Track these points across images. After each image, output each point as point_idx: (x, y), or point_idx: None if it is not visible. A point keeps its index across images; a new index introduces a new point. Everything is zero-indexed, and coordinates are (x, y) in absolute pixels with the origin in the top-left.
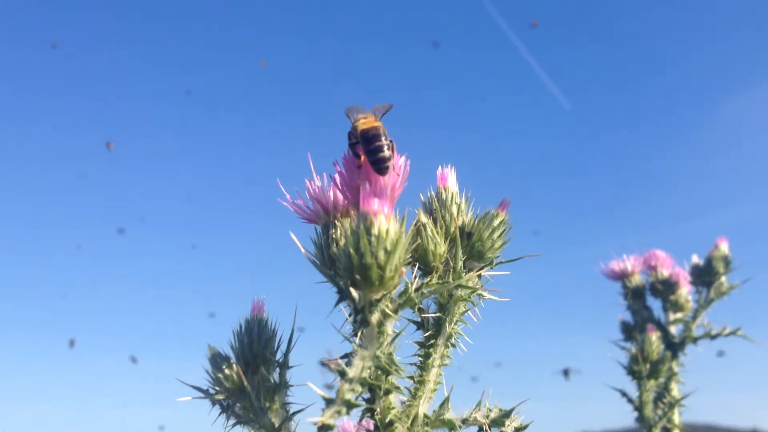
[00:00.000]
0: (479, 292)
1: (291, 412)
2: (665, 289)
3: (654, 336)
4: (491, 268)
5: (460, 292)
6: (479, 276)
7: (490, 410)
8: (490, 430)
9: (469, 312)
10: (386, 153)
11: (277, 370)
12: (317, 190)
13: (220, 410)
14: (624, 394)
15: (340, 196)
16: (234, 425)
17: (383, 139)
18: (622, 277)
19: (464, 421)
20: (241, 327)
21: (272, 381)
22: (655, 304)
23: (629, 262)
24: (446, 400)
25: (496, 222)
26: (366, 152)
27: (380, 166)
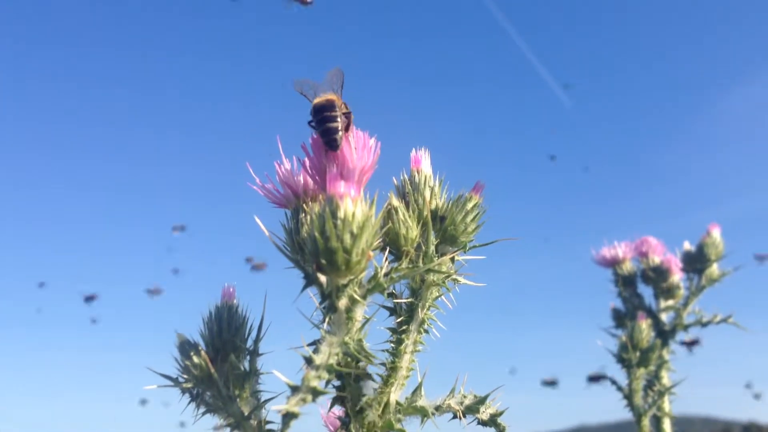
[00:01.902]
0: (453, 276)
1: (262, 400)
2: (656, 276)
3: (644, 323)
4: (464, 252)
5: (432, 277)
6: (453, 261)
7: (465, 397)
8: (464, 416)
9: (443, 297)
10: (335, 124)
11: (248, 357)
12: (286, 174)
13: (189, 399)
14: (613, 381)
15: (309, 179)
16: (204, 414)
17: (335, 110)
18: (613, 264)
19: (437, 408)
20: (210, 314)
21: (242, 369)
22: (646, 291)
23: (620, 249)
24: (419, 387)
25: (469, 205)
26: (316, 124)
27: (328, 137)
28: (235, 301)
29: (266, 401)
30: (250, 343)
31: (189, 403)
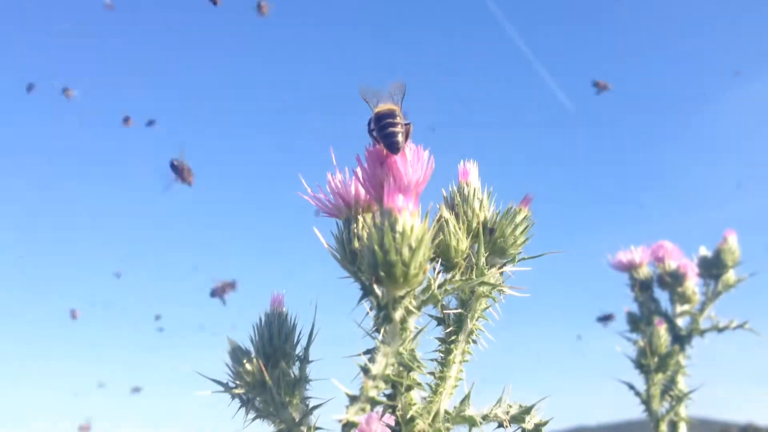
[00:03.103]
0: (500, 288)
1: (310, 406)
2: (673, 280)
3: (662, 329)
4: (513, 264)
5: (481, 288)
6: (501, 272)
7: (510, 406)
8: (510, 425)
9: (490, 308)
10: (397, 128)
11: (297, 364)
12: (339, 184)
13: (239, 404)
14: (631, 387)
15: (361, 190)
16: (254, 419)
17: (397, 118)
18: (629, 268)
19: (485, 418)
20: (260, 320)
21: (292, 375)
22: (662, 296)
23: (637, 254)
24: (467, 397)
25: (518, 218)
26: (377, 130)
27: (390, 140)
28: (284, 309)
29: (314, 407)
30: (299, 349)
31: (239, 408)
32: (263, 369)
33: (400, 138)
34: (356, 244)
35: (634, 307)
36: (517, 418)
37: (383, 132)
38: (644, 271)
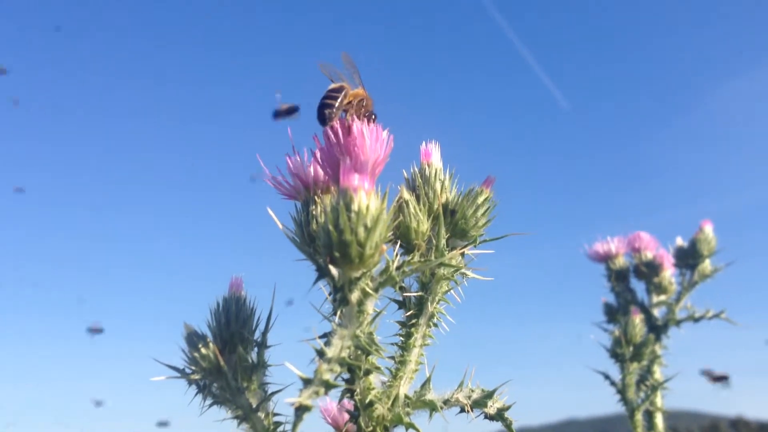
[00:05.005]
0: (462, 270)
1: (269, 392)
2: (649, 271)
3: (638, 319)
4: (475, 246)
5: (442, 271)
6: (462, 254)
7: (473, 391)
8: (472, 410)
9: (452, 291)
10: (331, 101)
11: (255, 349)
12: (297, 165)
13: (196, 390)
14: (607, 376)
15: (320, 171)
16: (210, 406)
17: (339, 93)
18: (606, 259)
19: (446, 402)
20: (218, 305)
21: (250, 361)
22: (638, 287)
23: (613, 244)
24: (427, 381)
25: (480, 199)
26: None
27: (319, 112)
28: (243, 293)
29: (273, 393)
30: (257, 335)
31: (195, 394)
32: (218, 354)
33: (326, 111)
34: (314, 225)
35: (611, 298)
36: (480, 403)
37: (320, 103)
38: (621, 262)
